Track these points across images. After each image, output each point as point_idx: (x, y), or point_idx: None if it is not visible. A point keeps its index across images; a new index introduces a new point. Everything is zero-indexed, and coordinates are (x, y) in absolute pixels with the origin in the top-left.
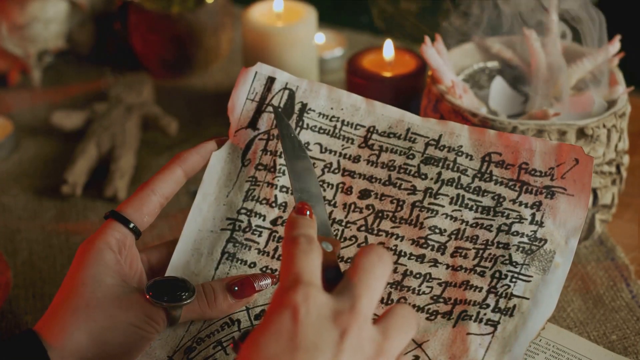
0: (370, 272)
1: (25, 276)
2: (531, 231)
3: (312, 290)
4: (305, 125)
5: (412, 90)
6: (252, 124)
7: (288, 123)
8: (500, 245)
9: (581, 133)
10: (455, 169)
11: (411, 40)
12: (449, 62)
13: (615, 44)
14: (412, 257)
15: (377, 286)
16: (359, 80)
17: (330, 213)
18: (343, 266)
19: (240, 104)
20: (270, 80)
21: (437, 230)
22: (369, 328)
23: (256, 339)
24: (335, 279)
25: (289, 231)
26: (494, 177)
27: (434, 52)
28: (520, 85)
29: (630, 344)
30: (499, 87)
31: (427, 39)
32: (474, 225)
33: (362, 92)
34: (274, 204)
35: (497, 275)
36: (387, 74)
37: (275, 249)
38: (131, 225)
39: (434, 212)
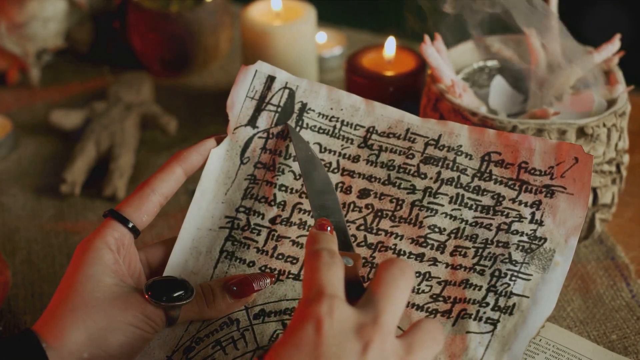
0: (393, 285)
1: (24, 275)
2: (531, 230)
3: (336, 302)
4: (305, 125)
5: (411, 89)
6: (252, 122)
7: (303, 140)
8: (500, 244)
9: (581, 132)
10: (454, 168)
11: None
12: (448, 61)
13: (615, 43)
14: (411, 256)
15: (400, 299)
16: (358, 79)
17: None
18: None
19: (240, 101)
20: (270, 79)
21: (436, 229)
22: (392, 341)
23: (279, 350)
24: (357, 293)
25: (310, 246)
26: (494, 177)
27: (434, 51)
28: (520, 84)
29: (631, 343)
30: (498, 86)
31: (426, 37)
32: (474, 224)
33: (362, 91)
34: (272, 203)
35: (496, 273)
36: (387, 73)
37: (274, 248)
38: (130, 225)
39: (434, 211)
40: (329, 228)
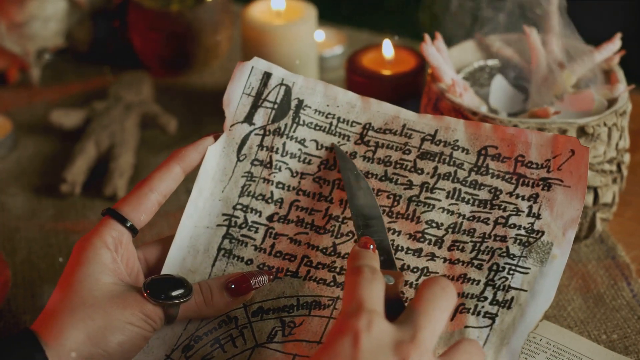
0: (433, 304)
1: (24, 275)
2: (528, 223)
3: (375, 317)
4: (301, 122)
5: (412, 88)
6: (248, 118)
7: (349, 158)
8: (498, 238)
9: (582, 131)
10: (451, 163)
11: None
12: (449, 60)
13: (616, 42)
14: (409, 252)
15: (439, 318)
16: (358, 78)
17: (327, 209)
18: (341, 262)
19: (236, 98)
20: (267, 75)
21: (433, 224)
22: None
23: None
24: (397, 311)
25: (352, 262)
26: (490, 171)
27: (434, 50)
28: (520, 83)
29: (631, 343)
30: (499, 85)
31: (426, 37)
32: (471, 218)
33: (362, 90)
34: (270, 200)
35: (494, 267)
36: (387, 72)
37: (272, 246)
38: (128, 224)
39: (431, 207)
40: (371, 246)
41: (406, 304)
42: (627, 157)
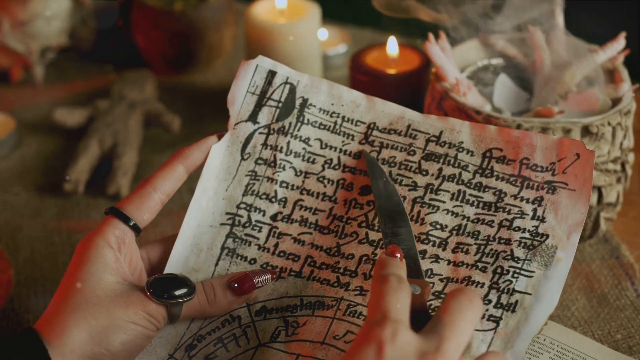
0: (459, 315)
1: (27, 274)
2: (533, 226)
3: (400, 327)
4: (306, 121)
5: (415, 87)
6: (252, 117)
7: (380, 166)
8: (502, 241)
9: (586, 131)
10: (456, 165)
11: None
12: (453, 60)
13: (620, 41)
14: None
15: (465, 329)
16: (362, 77)
17: (331, 209)
18: (344, 262)
19: (241, 96)
20: (271, 73)
21: (438, 226)
22: None
23: None
24: (423, 321)
25: (379, 270)
26: (495, 173)
27: (438, 49)
28: (524, 82)
29: (635, 343)
30: (503, 84)
31: (430, 35)
32: (476, 220)
33: (366, 89)
34: (274, 199)
35: (498, 270)
36: (391, 71)
37: (276, 245)
38: (131, 223)
39: (435, 208)
40: (398, 255)
41: (432, 314)
42: (631, 157)
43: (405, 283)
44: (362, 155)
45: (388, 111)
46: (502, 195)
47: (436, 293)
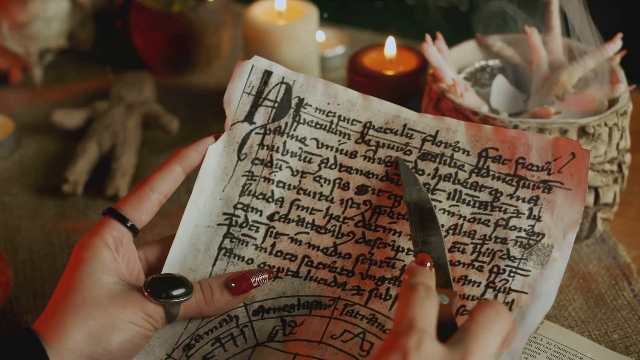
0: (486, 327)
1: (26, 275)
2: (529, 226)
3: (425, 337)
4: (302, 120)
5: (413, 88)
6: (249, 117)
7: (414, 174)
8: (498, 240)
9: (583, 131)
10: (452, 164)
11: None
12: (450, 61)
13: (617, 42)
14: (410, 253)
15: (491, 342)
16: (360, 78)
17: (328, 209)
18: (341, 262)
19: (237, 97)
20: (267, 73)
21: None
22: None
23: None
24: (450, 331)
25: (408, 279)
26: (491, 172)
27: (435, 51)
28: (521, 83)
29: (632, 343)
30: (500, 85)
31: (428, 37)
32: (472, 220)
33: (364, 90)
34: (270, 199)
35: (495, 270)
36: (389, 72)
37: (273, 245)
38: (129, 223)
39: None
40: (428, 264)
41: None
42: (628, 157)
43: (433, 293)
44: (396, 161)
45: (384, 110)
46: (498, 194)
47: None
